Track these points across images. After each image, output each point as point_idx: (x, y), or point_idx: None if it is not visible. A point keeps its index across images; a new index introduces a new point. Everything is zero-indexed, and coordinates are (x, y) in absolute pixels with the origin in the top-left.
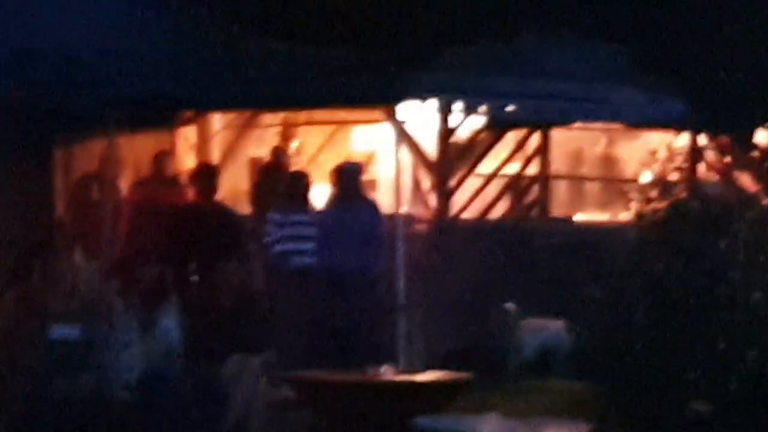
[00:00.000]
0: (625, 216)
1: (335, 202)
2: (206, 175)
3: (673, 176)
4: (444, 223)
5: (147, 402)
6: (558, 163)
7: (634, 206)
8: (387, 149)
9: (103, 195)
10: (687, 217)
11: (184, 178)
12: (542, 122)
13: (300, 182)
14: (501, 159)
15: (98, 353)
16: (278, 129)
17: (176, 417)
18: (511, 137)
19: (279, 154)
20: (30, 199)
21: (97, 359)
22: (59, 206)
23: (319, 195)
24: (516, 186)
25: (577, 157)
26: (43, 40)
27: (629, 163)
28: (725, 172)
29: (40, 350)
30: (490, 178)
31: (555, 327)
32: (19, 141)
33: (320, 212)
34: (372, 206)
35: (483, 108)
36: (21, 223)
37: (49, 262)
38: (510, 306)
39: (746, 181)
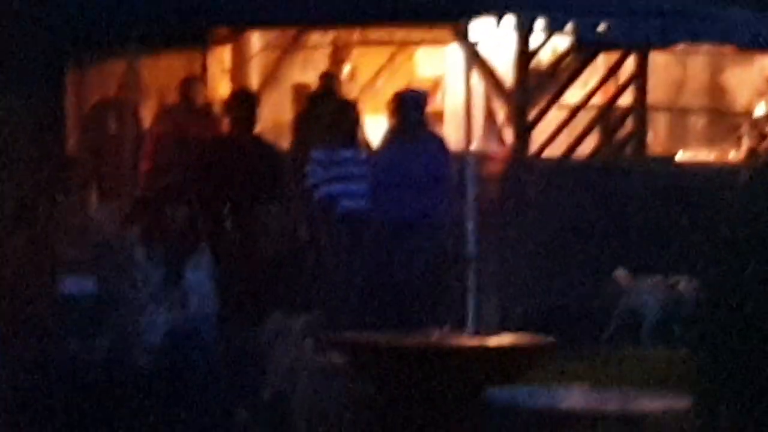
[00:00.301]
0: (734, 155)
1: (394, 136)
2: (243, 103)
3: None
4: (522, 162)
5: (172, 368)
6: (657, 92)
7: (746, 143)
8: (456, 75)
9: (122, 125)
10: None
11: (217, 108)
12: (638, 43)
13: (349, 113)
14: (589, 87)
15: (116, 310)
16: (328, 50)
17: (205, 385)
18: (602, 61)
19: (329, 79)
20: (37, 130)
21: (114, 317)
22: (71, 138)
23: (375, 128)
24: (607, 119)
25: (679, 85)
26: None
27: (740, 92)
28: None
29: (49, 306)
30: (576, 110)
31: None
32: (24, 61)
33: (375, 149)
34: (438, 142)
35: (569, 26)
36: (27, 158)
37: (59, 203)
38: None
39: None
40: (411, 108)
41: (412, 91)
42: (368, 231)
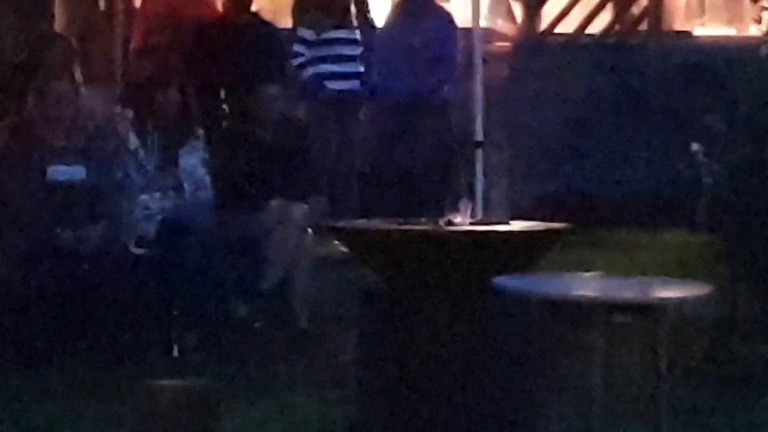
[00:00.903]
0: (756, 30)
1: (397, 12)
2: None
3: None
4: (532, 39)
5: (167, 259)
6: None
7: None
8: None
9: (111, 3)
10: None
11: None
12: None
13: None
14: None
15: (107, 199)
16: None
17: (202, 277)
18: None
19: None
20: (20, 3)
21: (105, 207)
22: (58, 13)
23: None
24: None
25: None
26: None
27: None
28: None
29: (37, 194)
30: None
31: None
32: None
33: (374, 25)
34: (444, 17)
35: None
36: (9, 34)
37: (44, 83)
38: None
39: None
40: None
41: None
42: (368, 113)
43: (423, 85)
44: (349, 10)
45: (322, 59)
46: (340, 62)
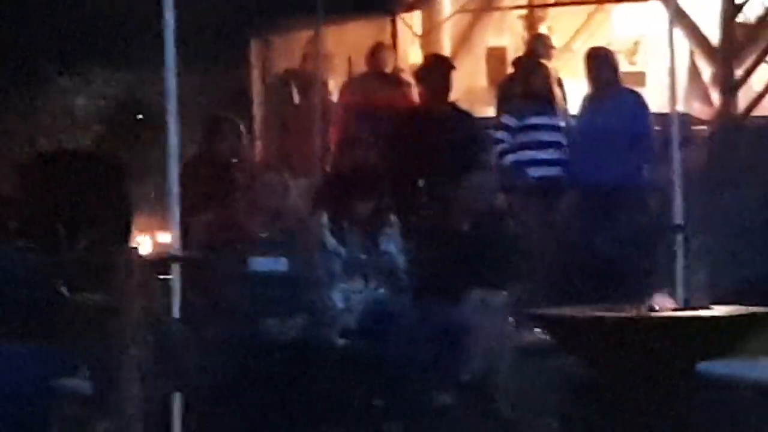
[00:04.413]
0: None
1: (589, 98)
2: (437, 70)
3: None
4: (730, 123)
5: (368, 348)
6: None
7: None
8: (657, 33)
9: (307, 97)
10: None
11: (408, 75)
12: None
13: (543, 77)
14: None
15: (309, 291)
16: (523, 12)
17: (403, 366)
18: None
19: (537, 42)
20: (221, 102)
21: (308, 298)
22: (256, 110)
23: (573, 92)
24: None
25: None
26: None
27: None
28: None
29: (240, 286)
30: None
31: None
32: (209, 35)
33: (570, 112)
34: (633, 97)
35: None
36: (214, 131)
37: (247, 178)
38: None
39: None
40: (601, 64)
41: (600, 47)
42: (565, 200)
43: (620, 167)
44: (550, 97)
45: (525, 145)
46: (543, 148)
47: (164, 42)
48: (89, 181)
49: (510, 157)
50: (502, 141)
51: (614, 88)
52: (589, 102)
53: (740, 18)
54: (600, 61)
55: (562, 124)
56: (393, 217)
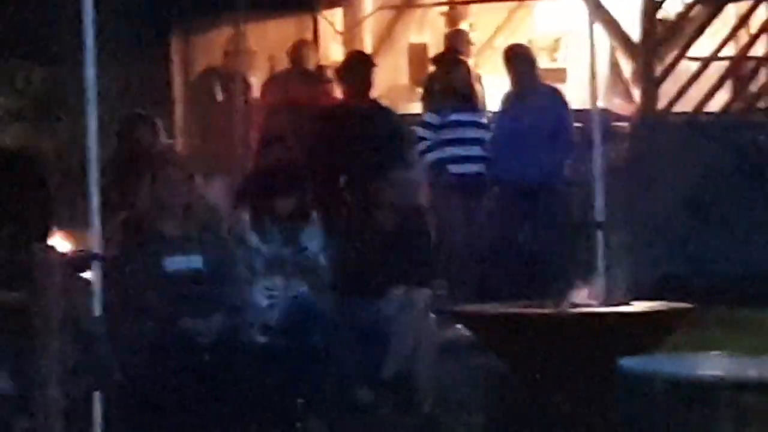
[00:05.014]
0: None
1: (509, 94)
2: (358, 67)
3: None
4: (650, 120)
5: (290, 346)
6: None
7: None
8: (578, 30)
9: (229, 94)
10: None
11: (330, 72)
12: None
13: (464, 74)
14: (720, 38)
15: (228, 288)
16: (444, 9)
17: (325, 362)
18: (732, 10)
19: (456, 38)
20: (141, 100)
21: (226, 296)
22: (176, 108)
23: (494, 89)
24: (739, 71)
25: None
26: None
27: None
28: None
29: (156, 287)
30: (706, 63)
31: None
32: (126, 30)
33: (491, 110)
34: (553, 94)
35: None
36: (129, 129)
37: (162, 177)
38: None
39: None
40: (519, 62)
41: (517, 45)
42: (487, 196)
43: (540, 164)
44: (470, 93)
45: (448, 142)
46: (465, 145)
47: (83, 39)
48: (7, 179)
49: (432, 154)
50: (424, 138)
51: (534, 85)
52: (510, 99)
53: (661, 14)
54: (518, 59)
55: (484, 120)
56: (314, 214)
